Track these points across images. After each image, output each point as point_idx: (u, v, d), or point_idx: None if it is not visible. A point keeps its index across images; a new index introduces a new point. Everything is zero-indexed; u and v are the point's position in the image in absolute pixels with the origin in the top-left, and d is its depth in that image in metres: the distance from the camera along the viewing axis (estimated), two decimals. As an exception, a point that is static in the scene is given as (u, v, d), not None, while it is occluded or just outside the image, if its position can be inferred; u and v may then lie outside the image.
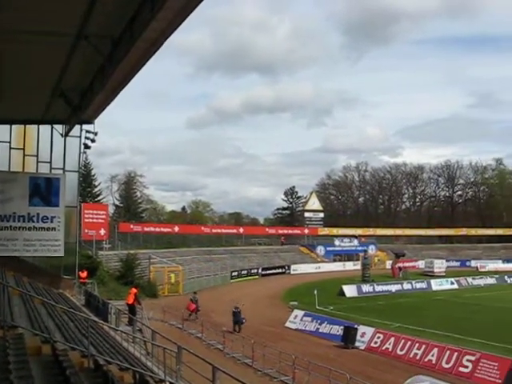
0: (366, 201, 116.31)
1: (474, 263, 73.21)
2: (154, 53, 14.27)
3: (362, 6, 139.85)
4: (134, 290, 24.20)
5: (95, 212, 50.46)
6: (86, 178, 68.54)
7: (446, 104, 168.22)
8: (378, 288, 43.61)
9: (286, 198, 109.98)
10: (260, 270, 59.49)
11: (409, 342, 21.25)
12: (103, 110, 21.84)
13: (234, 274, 54.45)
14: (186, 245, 64.11)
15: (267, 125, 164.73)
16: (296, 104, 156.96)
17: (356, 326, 24.16)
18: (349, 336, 23.41)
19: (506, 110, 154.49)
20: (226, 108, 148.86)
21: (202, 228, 73.92)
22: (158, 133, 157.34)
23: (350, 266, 69.05)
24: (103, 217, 50.93)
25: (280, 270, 62.31)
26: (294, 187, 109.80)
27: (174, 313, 29.22)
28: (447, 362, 19.18)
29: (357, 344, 23.22)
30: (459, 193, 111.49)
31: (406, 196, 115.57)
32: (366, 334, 23.48)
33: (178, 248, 60.01)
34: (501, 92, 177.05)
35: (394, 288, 44.28)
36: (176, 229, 66.45)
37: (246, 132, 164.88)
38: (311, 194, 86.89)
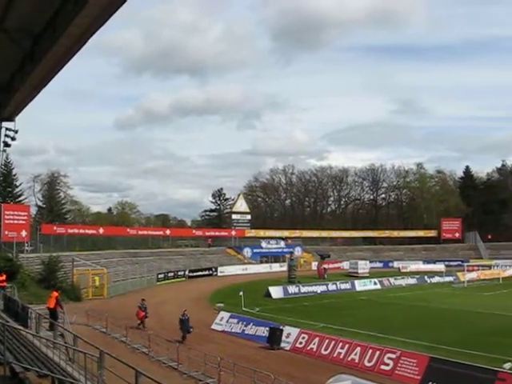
0: (292, 203, 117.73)
1: (396, 264, 75.46)
2: (78, 50, 13.86)
3: (292, 13, 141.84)
4: (56, 294, 23.43)
5: (16, 213, 48.79)
6: (7, 178, 66.30)
7: (372, 109, 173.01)
8: (304, 289, 44.13)
9: (213, 200, 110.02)
10: (187, 272, 59.17)
11: (333, 342, 21.57)
12: (24, 107, 21.04)
13: (160, 276, 53.82)
14: (111, 247, 62.96)
15: (196, 127, 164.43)
16: (226, 106, 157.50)
17: (281, 327, 24.32)
18: (274, 337, 23.54)
19: (427, 117, 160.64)
20: (155, 109, 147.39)
21: (128, 230, 72.71)
22: (84, 133, 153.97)
23: (276, 267, 69.68)
24: (25, 218, 49.31)
25: (207, 272, 62.13)
26: (221, 189, 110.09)
27: (97, 316, 28.54)
28: (369, 361, 19.60)
29: (282, 345, 23.38)
30: (383, 196, 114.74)
31: (332, 199, 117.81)
32: (291, 334, 23.67)
33: (103, 250, 58.85)
34: (423, 99, 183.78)
35: (319, 289, 44.94)
36: (101, 230, 65.16)
37: (175, 134, 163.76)
38: (239, 196, 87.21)
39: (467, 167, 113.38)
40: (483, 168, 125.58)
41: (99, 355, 11.81)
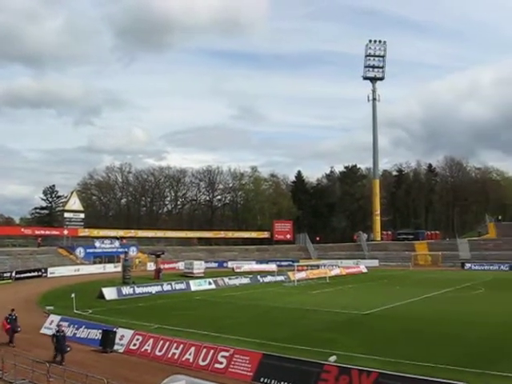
0: (128, 202, 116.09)
1: (230, 264, 77.19)
2: None
3: (137, 12, 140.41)
4: None
5: None
6: None
7: (212, 113, 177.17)
8: (139, 290, 43.47)
9: (45, 197, 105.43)
10: (13, 274, 55.75)
11: (167, 343, 21.45)
12: None
13: (-18, 278, 50.26)
14: None
15: (30, 119, 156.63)
16: (63, 101, 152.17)
17: (115, 329, 23.74)
18: (107, 340, 22.90)
19: (264, 123, 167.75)
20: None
21: None
22: None
23: (110, 268, 68.09)
24: None
25: (36, 273, 59.14)
26: (54, 186, 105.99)
27: None
28: (204, 360, 19.73)
29: (116, 347, 22.81)
30: (218, 197, 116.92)
31: (169, 199, 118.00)
32: (124, 336, 23.18)
33: None
34: (261, 106, 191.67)
35: (154, 289, 44.51)
36: None
37: (5, 126, 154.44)
38: (72, 193, 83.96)
39: (299, 172, 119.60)
40: (314, 174, 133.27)
41: None
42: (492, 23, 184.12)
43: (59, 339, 21.12)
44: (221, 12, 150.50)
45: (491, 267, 72.12)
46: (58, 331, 21.59)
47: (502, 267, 71.20)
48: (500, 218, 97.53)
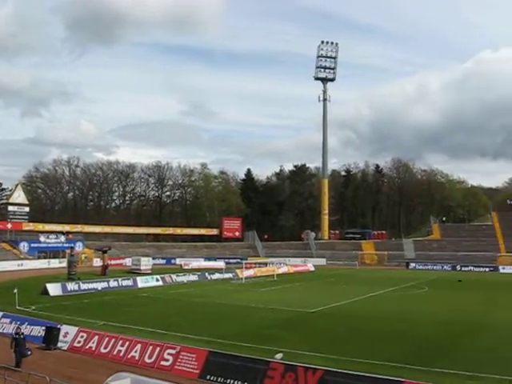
0: (75, 196, 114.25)
1: (178, 261, 76.85)
2: None
3: (89, 4, 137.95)
4: None
5: None
6: None
7: (163, 108, 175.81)
8: (84, 286, 42.80)
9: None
10: (-47, 268, 54.10)
11: (113, 340, 21.17)
12: None
13: None
14: None
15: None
16: (10, 91, 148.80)
17: (59, 326, 23.30)
18: (51, 337, 22.43)
19: (215, 121, 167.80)
20: None
21: None
22: None
23: (55, 263, 66.80)
24: None
25: (-23, 268, 57.49)
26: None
27: None
28: (150, 357, 19.57)
29: (59, 345, 22.36)
30: (168, 193, 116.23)
31: (117, 194, 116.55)
32: (69, 333, 22.76)
33: None
34: (213, 103, 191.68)
35: (100, 286, 43.90)
36: None
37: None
38: (16, 186, 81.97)
39: (249, 170, 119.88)
40: (264, 172, 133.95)
41: None
42: (439, 30, 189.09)
43: (19, 342, 18.98)
44: (174, 7, 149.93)
45: (435, 267, 74.05)
46: (16, 333, 19.40)
47: (445, 267, 73.22)
48: (444, 219, 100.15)
